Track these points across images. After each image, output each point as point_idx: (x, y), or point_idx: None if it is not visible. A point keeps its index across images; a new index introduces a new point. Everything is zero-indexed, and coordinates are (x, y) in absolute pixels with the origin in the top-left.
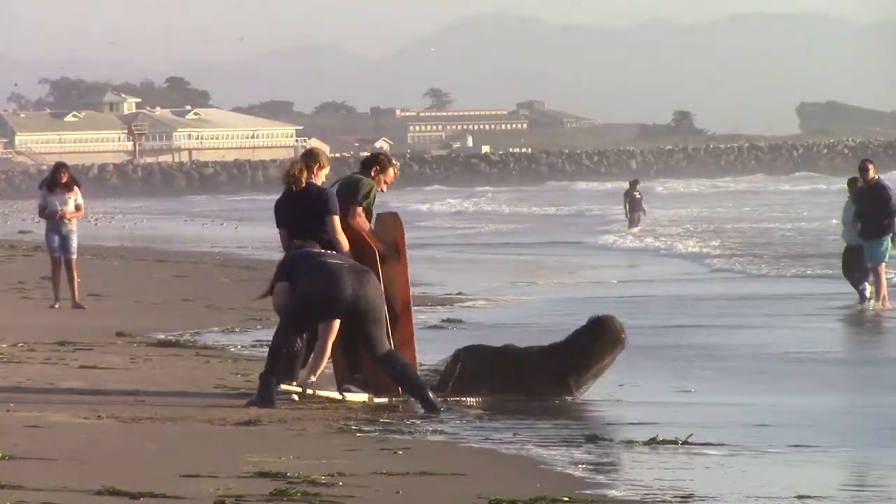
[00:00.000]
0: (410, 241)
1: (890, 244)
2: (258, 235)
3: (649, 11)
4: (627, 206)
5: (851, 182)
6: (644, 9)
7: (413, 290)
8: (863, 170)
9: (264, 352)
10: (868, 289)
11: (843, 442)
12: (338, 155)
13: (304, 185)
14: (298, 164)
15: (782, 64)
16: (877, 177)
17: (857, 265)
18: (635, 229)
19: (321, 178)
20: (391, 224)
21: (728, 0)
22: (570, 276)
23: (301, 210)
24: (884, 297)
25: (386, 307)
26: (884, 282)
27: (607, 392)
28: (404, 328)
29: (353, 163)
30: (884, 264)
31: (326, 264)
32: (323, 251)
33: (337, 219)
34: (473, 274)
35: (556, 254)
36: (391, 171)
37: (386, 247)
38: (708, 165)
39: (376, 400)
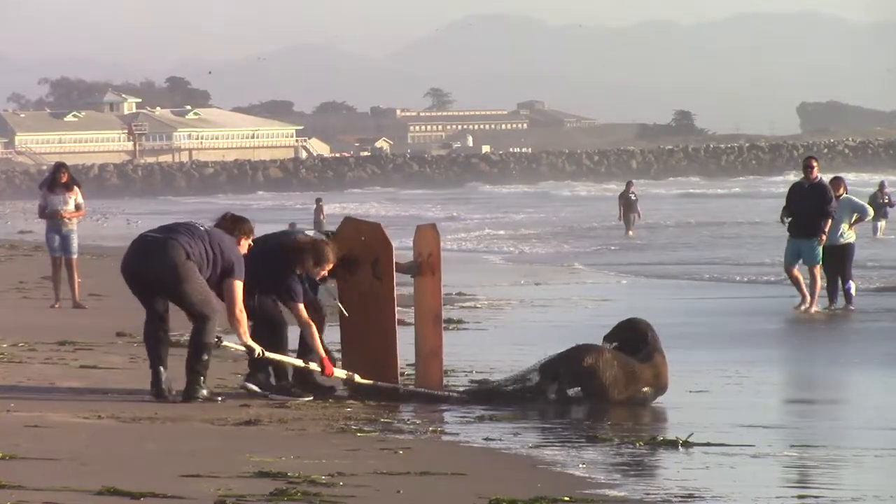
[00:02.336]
0: None
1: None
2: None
3: (649, 11)
4: (622, 209)
5: (797, 184)
6: (643, 8)
7: (401, 292)
8: (807, 167)
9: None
10: (853, 287)
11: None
12: (337, 155)
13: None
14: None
15: (782, 63)
16: (819, 177)
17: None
18: (631, 232)
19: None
20: (429, 236)
21: (728, 0)
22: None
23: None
24: (814, 301)
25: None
26: (819, 285)
27: None
28: (434, 339)
29: (352, 162)
30: (819, 266)
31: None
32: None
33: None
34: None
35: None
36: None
37: (409, 264)
38: (709, 165)
39: (357, 378)
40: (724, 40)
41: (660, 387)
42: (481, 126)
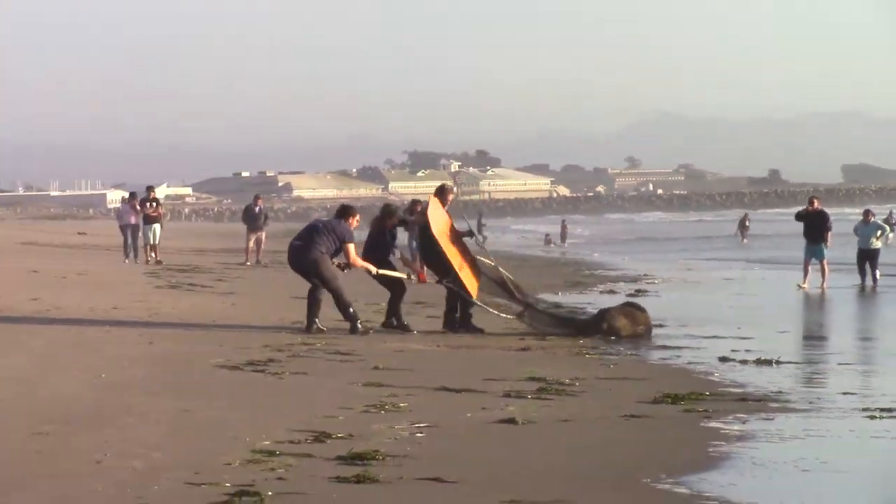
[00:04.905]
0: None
1: (825, 247)
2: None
3: (758, 110)
4: (740, 231)
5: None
6: (755, 107)
7: (614, 274)
8: (810, 202)
9: None
10: (878, 274)
11: None
12: (574, 194)
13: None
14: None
15: (835, 138)
16: (820, 208)
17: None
18: (744, 241)
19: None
20: (440, 218)
21: (808, 100)
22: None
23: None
24: (824, 283)
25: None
26: (826, 272)
27: (729, 333)
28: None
29: (583, 199)
30: (825, 261)
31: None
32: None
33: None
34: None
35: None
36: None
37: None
38: (789, 201)
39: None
40: (802, 130)
41: (648, 328)
42: (656, 178)
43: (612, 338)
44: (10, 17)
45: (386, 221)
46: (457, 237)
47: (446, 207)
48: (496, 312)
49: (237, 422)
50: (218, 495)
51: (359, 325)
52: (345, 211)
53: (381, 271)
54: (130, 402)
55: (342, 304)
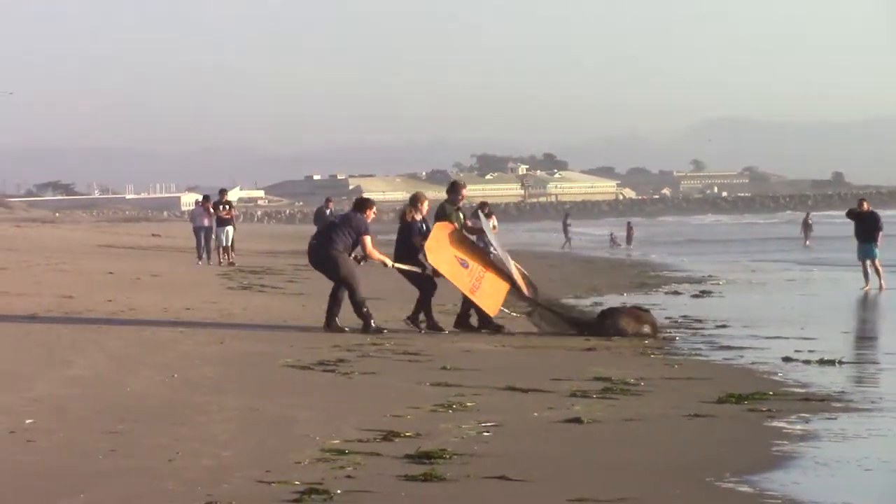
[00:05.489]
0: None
1: (876, 247)
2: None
3: (823, 112)
4: (803, 230)
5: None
6: (820, 110)
7: (679, 275)
8: (859, 204)
9: None
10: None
11: None
12: (640, 197)
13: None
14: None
15: None
16: (870, 208)
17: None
18: (807, 242)
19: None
20: (443, 230)
21: (872, 103)
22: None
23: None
24: (881, 282)
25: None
26: (881, 271)
27: (792, 333)
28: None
29: (649, 201)
30: (878, 260)
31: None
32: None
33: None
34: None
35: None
36: (462, 192)
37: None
38: (851, 203)
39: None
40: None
41: (654, 327)
42: (721, 181)
43: (616, 336)
44: (91, 26)
45: (409, 213)
46: (466, 246)
47: (460, 204)
48: (506, 310)
49: (307, 421)
50: (288, 493)
51: (372, 324)
52: (361, 203)
53: (397, 265)
54: (202, 401)
55: (356, 303)
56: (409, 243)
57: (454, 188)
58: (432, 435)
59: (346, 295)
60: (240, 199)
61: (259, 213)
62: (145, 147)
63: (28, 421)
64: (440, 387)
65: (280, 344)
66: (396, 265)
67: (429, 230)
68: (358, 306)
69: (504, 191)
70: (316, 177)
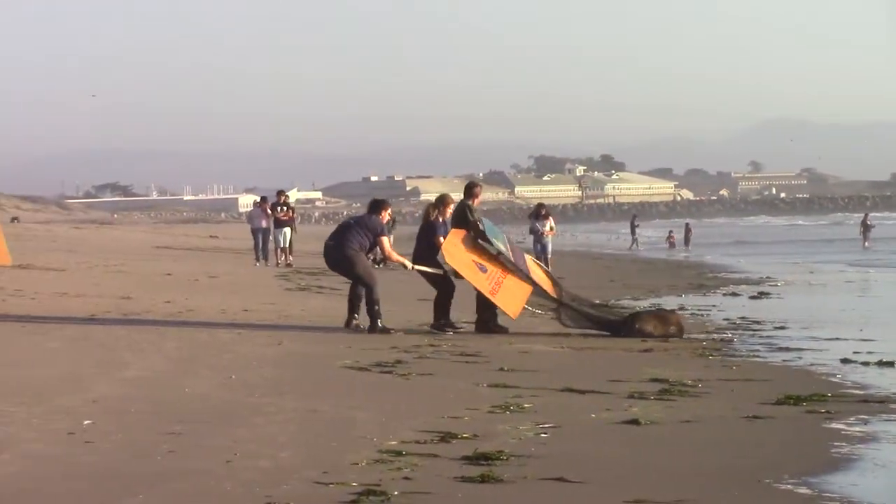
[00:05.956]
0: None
1: None
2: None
3: (881, 113)
4: (862, 229)
5: None
6: (878, 111)
7: (736, 276)
8: None
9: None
10: None
11: None
12: (698, 198)
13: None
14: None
15: None
16: None
17: None
18: (866, 244)
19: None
20: (456, 239)
21: None
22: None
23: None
24: None
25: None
26: None
27: (851, 335)
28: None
29: (706, 202)
30: None
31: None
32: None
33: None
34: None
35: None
36: (478, 193)
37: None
38: None
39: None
40: None
41: (680, 328)
42: (780, 182)
43: (643, 339)
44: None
45: (433, 213)
46: (483, 251)
47: (477, 203)
48: (531, 309)
49: (364, 422)
50: (345, 494)
51: (379, 324)
52: (376, 205)
53: (417, 267)
54: (259, 402)
55: (370, 301)
56: (430, 241)
57: (468, 190)
58: (489, 436)
59: (363, 293)
60: (297, 201)
61: (317, 214)
62: (202, 148)
63: (86, 422)
64: (497, 388)
65: (338, 345)
66: (417, 267)
67: (448, 232)
68: (371, 304)
69: (561, 192)
70: (373, 178)
